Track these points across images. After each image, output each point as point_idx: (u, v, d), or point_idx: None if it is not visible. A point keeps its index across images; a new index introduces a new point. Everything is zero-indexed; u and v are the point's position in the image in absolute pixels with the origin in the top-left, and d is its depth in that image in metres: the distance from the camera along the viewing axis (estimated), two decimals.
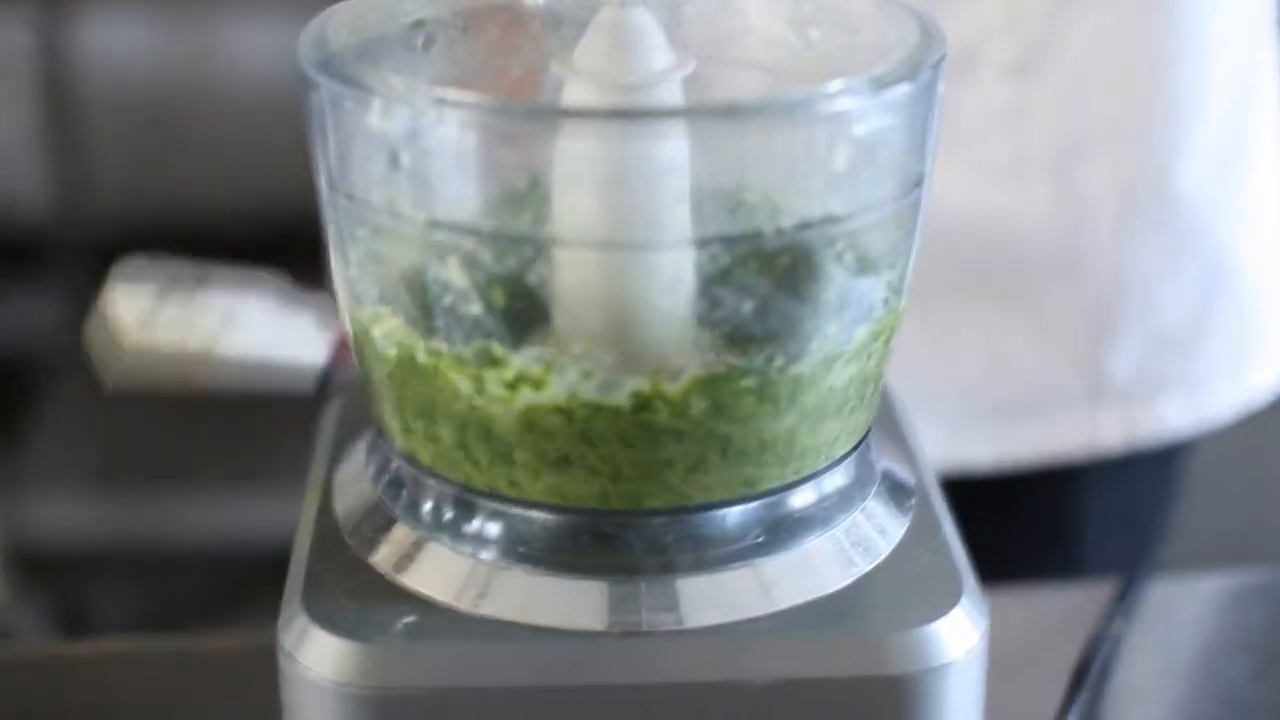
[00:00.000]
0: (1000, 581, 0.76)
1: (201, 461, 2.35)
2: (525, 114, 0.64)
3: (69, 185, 2.58)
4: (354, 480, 0.70)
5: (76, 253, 2.58)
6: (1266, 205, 1.16)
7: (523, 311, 0.63)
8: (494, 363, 0.63)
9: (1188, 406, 1.15)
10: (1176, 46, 1.06)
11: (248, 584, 2.26)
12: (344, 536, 0.67)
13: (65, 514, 2.31)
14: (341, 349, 0.81)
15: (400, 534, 0.66)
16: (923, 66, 0.65)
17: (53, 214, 2.59)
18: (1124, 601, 0.87)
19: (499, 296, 0.62)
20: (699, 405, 0.63)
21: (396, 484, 0.68)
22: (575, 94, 0.64)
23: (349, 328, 0.68)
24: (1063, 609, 0.91)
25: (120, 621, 2.31)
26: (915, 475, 0.72)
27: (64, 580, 2.33)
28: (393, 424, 0.67)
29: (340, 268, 0.67)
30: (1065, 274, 1.09)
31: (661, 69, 0.65)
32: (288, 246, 2.40)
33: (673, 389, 0.62)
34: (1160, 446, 1.16)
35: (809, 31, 0.71)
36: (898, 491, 0.70)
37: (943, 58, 0.65)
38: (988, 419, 1.12)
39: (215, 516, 2.30)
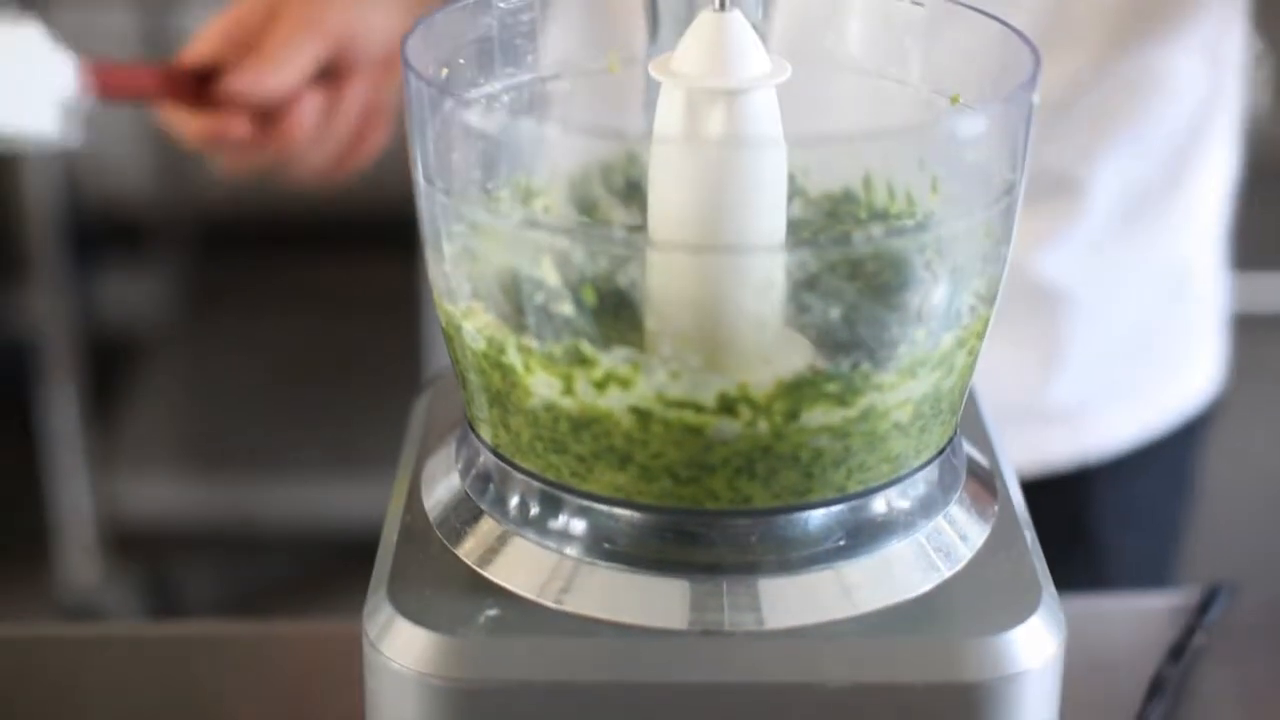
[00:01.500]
0: None
1: (294, 445, 2.37)
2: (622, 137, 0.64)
3: (170, 167, 2.61)
4: (443, 472, 0.71)
5: (176, 234, 2.60)
6: (1213, 215, 1.17)
7: (613, 311, 0.63)
8: (583, 362, 0.63)
9: (1131, 418, 1.15)
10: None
11: (335, 569, 2.28)
12: (431, 528, 0.68)
13: (158, 494, 2.33)
14: (96, 75, 0.82)
15: (486, 527, 0.67)
16: (1017, 77, 0.65)
17: (153, 195, 2.62)
18: (1205, 614, 0.87)
19: (590, 296, 0.63)
20: (784, 408, 0.63)
21: (484, 477, 0.68)
22: (672, 98, 0.65)
23: (440, 319, 0.69)
24: (1143, 620, 0.91)
25: (208, 602, 2.33)
26: (999, 482, 0.72)
27: (155, 560, 2.35)
28: (481, 418, 0.68)
29: (435, 261, 0.68)
30: (1015, 297, 1.09)
31: (758, 74, 0.65)
32: (386, 231, 2.42)
33: (759, 392, 0.63)
34: (1168, 442, 1.16)
35: (903, 39, 0.72)
36: (980, 498, 0.70)
37: (1037, 68, 0.65)
38: None
39: (305, 500, 2.32)
